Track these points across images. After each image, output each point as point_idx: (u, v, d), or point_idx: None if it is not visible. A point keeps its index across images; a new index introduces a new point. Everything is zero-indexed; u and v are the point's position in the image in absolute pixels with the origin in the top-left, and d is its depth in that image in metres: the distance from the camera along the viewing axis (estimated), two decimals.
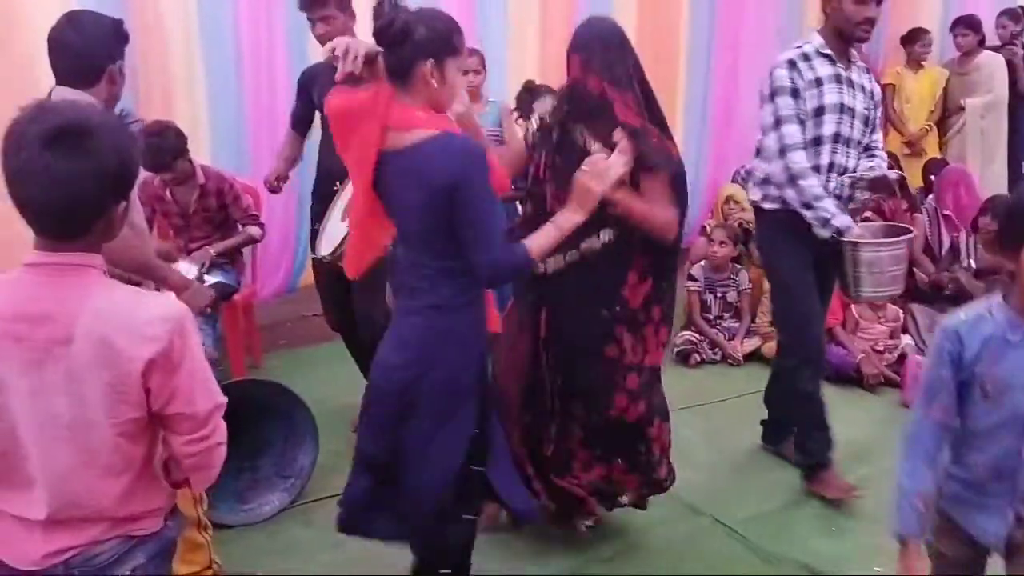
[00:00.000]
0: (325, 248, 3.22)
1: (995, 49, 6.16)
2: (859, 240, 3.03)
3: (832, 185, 3.10)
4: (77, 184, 1.39)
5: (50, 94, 2.37)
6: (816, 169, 3.06)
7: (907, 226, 3.39)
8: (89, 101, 2.13)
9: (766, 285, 4.82)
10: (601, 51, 2.61)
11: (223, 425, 1.58)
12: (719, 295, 4.76)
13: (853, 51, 3.17)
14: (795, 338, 3.27)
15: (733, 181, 5.50)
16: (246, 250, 4.21)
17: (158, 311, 1.47)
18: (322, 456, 3.26)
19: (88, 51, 2.29)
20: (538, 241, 2.17)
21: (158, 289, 2.42)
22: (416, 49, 2.07)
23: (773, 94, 3.08)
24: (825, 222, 3.01)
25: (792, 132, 3.03)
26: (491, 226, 2.07)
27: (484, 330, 2.28)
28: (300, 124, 3.66)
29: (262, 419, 3.17)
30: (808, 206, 3.03)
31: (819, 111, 3.04)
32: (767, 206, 3.20)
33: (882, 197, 3.53)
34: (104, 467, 1.49)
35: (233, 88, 4.51)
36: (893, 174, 3.17)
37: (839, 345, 4.39)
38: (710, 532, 3.07)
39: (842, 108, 3.06)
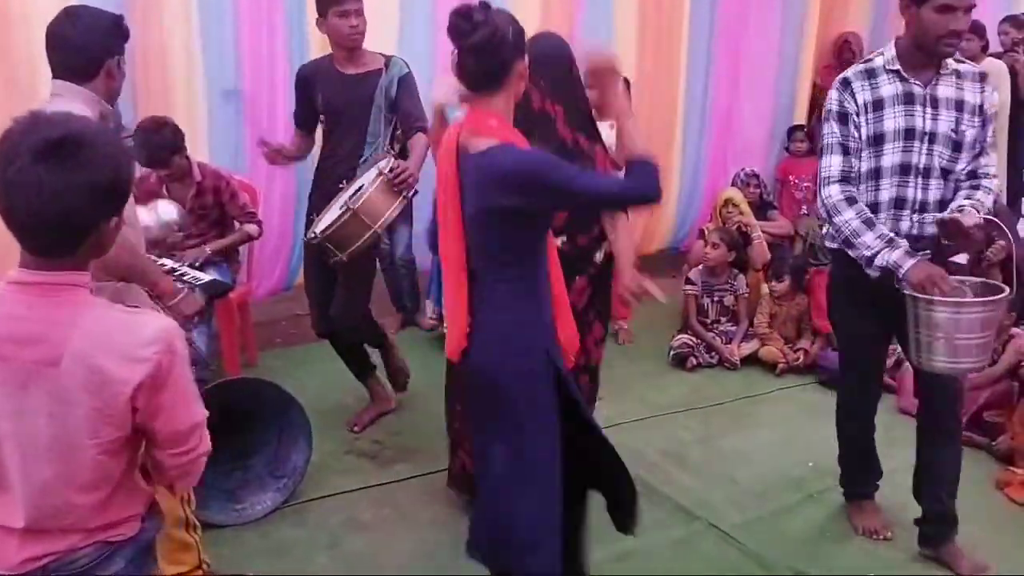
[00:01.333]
0: (319, 227, 3.22)
1: (997, 56, 6.15)
2: (923, 296, 2.50)
3: (904, 225, 2.67)
4: (69, 199, 1.36)
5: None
6: (875, 207, 2.67)
7: (999, 284, 2.69)
8: (78, 105, 2.11)
9: (764, 289, 4.83)
10: (548, 68, 2.64)
11: (207, 436, 1.58)
12: (716, 299, 4.75)
13: (951, 60, 2.68)
14: (844, 396, 3.08)
15: (732, 185, 5.49)
16: (242, 248, 4.19)
17: (149, 333, 1.45)
18: (316, 456, 3.25)
19: (86, 45, 2.27)
20: (631, 140, 2.14)
21: (149, 294, 2.40)
22: (514, 50, 2.09)
23: (826, 118, 2.76)
24: (868, 261, 2.62)
25: (832, 163, 2.69)
26: (593, 181, 2.18)
27: None
28: (305, 124, 3.63)
29: (255, 418, 3.16)
30: (847, 243, 2.67)
31: (877, 139, 2.66)
32: (829, 243, 2.89)
33: (961, 243, 2.76)
34: (83, 484, 1.48)
35: (232, 86, 4.50)
36: (973, 218, 2.52)
37: (835, 350, 4.38)
38: (704, 536, 3.06)
39: (910, 134, 2.63)
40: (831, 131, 2.70)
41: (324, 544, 3.00)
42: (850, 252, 2.66)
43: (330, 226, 3.13)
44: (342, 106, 3.43)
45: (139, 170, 3.77)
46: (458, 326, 2.20)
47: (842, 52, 6.20)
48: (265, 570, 2.84)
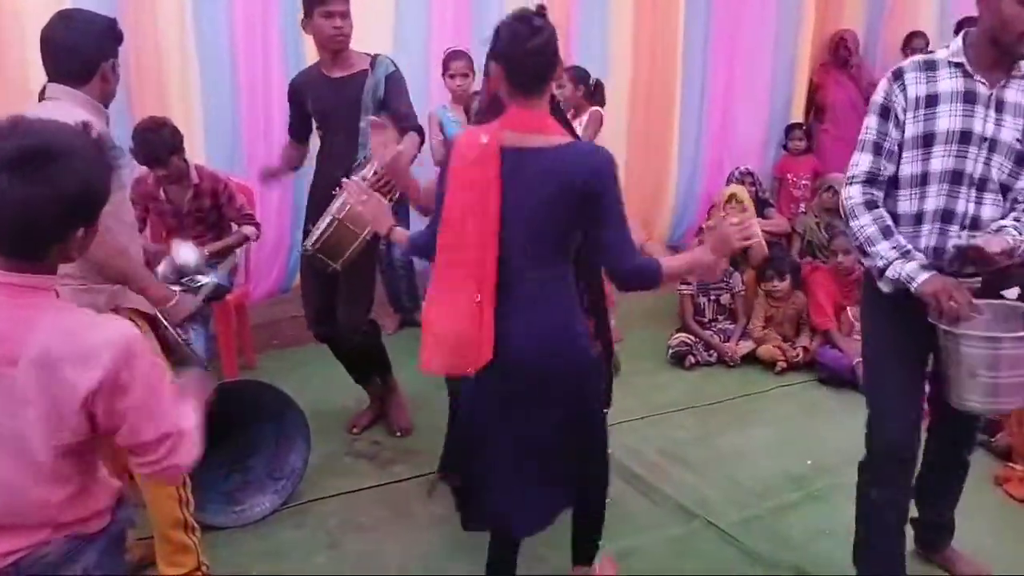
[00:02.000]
0: (310, 240, 3.21)
1: None
2: (955, 330, 2.21)
3: (951, 241, 2.30)
4: (31, 209, 1.37)
5: (43, 92, 2.36)
6: (919, 217, 2.34)
7: None
8: (71, 108, 2.12)
9: (757, 289, 4.83)
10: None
11: (185, 446, 1.55)
12: (712, 298, 4.75)
13: None
14: (868, 430, 2.52)
15: (728, 183, 5.49)
16: (239, 250, 4.19)
17: (104, 337, 1.44)
18: (314, 457, 3.25)
19: (80, 48, 2.28)
20: (669, 264, 2.25)
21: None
22: (556, 52, 2.17)
23: (868, 111, 2.41)
24: (880, 272, 2.32)
25: (860, 161, 2.36)
26: (629, 234, 2.17)
27: None
28: (298, 133, 3.61)
29: (253, 420, 3.16)
30: (862, 250, 2.38)
31: (927, 139, 2.30)
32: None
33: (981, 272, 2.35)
34: (44, 480, 1.48)
35: (227, 88, 4.50)
36: (999, 244, 2.18)
37: (834, 347, 4.38)
38: (703, 534, 3.06)
39: (966, 137, 2.27)
40: (868, 126, 2.37)
41: (323, 545, 3.00)
42: (864, 261, 2.41)
43: (319, 237, 3.13)
44: (330, 110, 3.42)
45: (137, 170, 3.78)
46: (480, 340, 2.16)
47: (838, 49, 6.20)
48: (264, 572, 2.84)
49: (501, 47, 2.14)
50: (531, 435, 2.29)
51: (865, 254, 2.37)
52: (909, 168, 2.33)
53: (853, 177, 2.37)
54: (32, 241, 1.41)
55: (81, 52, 2.29)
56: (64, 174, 1.38)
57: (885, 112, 2.34)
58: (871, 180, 2.36)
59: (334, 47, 3.34)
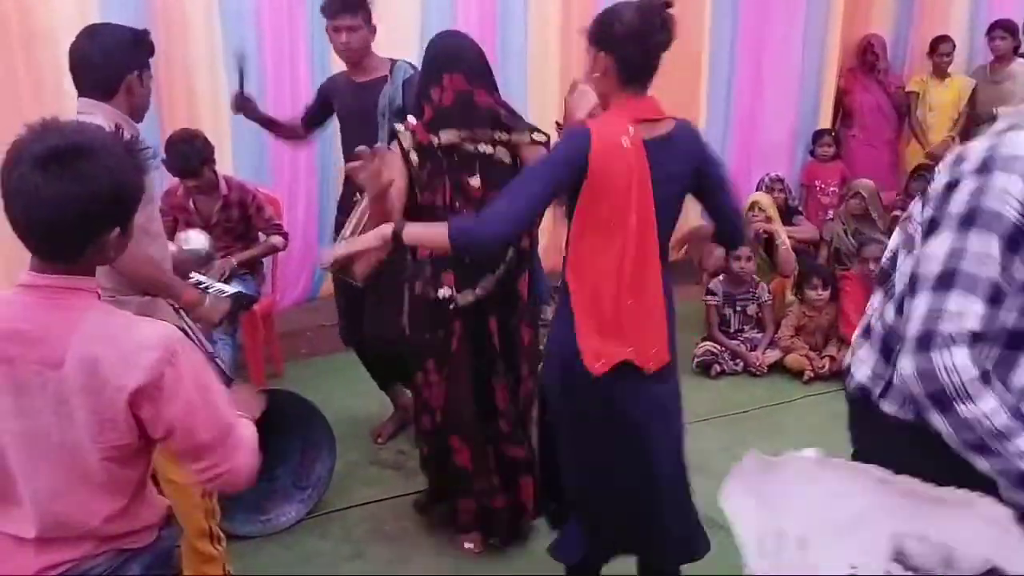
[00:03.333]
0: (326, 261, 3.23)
1: (1022, 56, 6.07)
2: None
3: None
4: (63, 207, 1.38)
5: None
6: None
7: None
8: (100, 121, 2.14)
9: (788, 296, 4.78)
10: (478, 64, 2.69)
11: (242, 447, 1.52)
12: (739, 309, 4.71)
13: None
14: None
15: (757, 189, 5.45)
16: (267, 260, 4.22)
17: (147, 339, 1.44)
18: (340, 466, 3.26)
19: (104, 62, 2.31)
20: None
21: (172, 306, 2.42)
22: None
23: (967, 216, 1.44)
24: (1019, 479, 1.40)
25: (967, 308, 1.41)
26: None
27: None
28: (311, 122, 3.73)
29: (280, 429, 3.16)
30: (980, 447, 1.42)
31: None
32: (889, 409, 1.61)
33: None
34: (93, 488, 1.48)
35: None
36: None
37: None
38: (730, 546, 3.00)
39: None
40: (980, 253, 1.41)
41: (348, 555, 3.01)
42: (978, 460, 1.43)
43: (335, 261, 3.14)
44: (351, 115, 3.49)
45: (167, 181, 3.82)
46: (662, 338, 2.23)
47: (865, 54, 6.15)
48: None
49: (623, 36, 2.08)
50: (670, 450, 2.30)
51: (986, 451, 1.42)
52: (1009, 319, 1.46)
53: (955, 336, 1.42)
54: (65, 240, 1.42)
55: (104, 67, 2.32)
56: (96, 172, 1.39)
57: (1016, 238, 1.40)
58: (980, 338, 1.46)
59: (344, 59, 3.45)
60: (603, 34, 2.13)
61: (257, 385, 4.03)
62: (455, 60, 2.64)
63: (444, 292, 2.72)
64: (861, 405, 1.66)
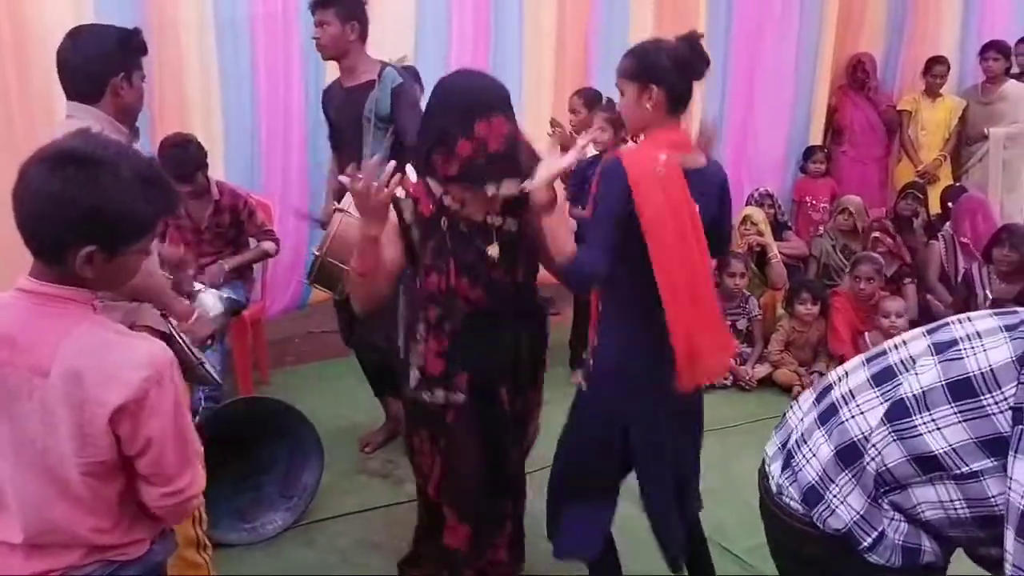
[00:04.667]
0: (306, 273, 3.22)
1: (1016, 77, 6.13)
2: None
3: None
4: (42, 204, 1.39)
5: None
6: None
7: None
8: (100, 119, 2.13)
9: (778, 311, 4.79)
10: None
11: (200, 477, 1.55)
12: (729, 323, 4.71)
13: None
14: None
15: (747, 204, 5.46)
16: (256, 266, 4.20)
17: (137, 357, 1.43)
18: (327, 476, 3.24)
19: (87, 65, 2.27)
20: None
21: (162, 314, 2.39)
22: None
23: None
24: None
25: None
26: None
27: None
28: (335, 144, 3.63)
29: (267, 436, 3.16)
30: None
31: None
32: (878, 560, 1.58)
33: None
34: (76, 500, 1.47)
35: (248, 105, 4.53)
36: None
37: None
38: (717, 560, 3.00)
39: None
40: None
41: (334, 565, 2.99)
42: None
43: (310, 271, 3.12)
44: (340, 120, 3.44)
45: None
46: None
47: (855, 71, 6.20)
48: None
49: (672, 67, 2.22)
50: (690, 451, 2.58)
51: None
52: None
53: None
54: (43, 240, 1.42)
55: (86, 70, 2.28)
56: (84, 182, 1.38)
57: None
58: None
59: (322, 56, 3.43)
60: (651, 67, 2.24)
61: (244, 392, 4.00)
62: (500, 102, 2.22)
63: (458, 397, 2.30)
64: (839, 549, 1.62)
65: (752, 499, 3.37)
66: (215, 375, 3.30)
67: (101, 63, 2.28)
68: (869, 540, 1.58)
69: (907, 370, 1.57)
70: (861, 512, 1.58)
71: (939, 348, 1.55)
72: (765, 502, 1.79)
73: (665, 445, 2.43)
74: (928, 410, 1.50)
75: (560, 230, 2.25)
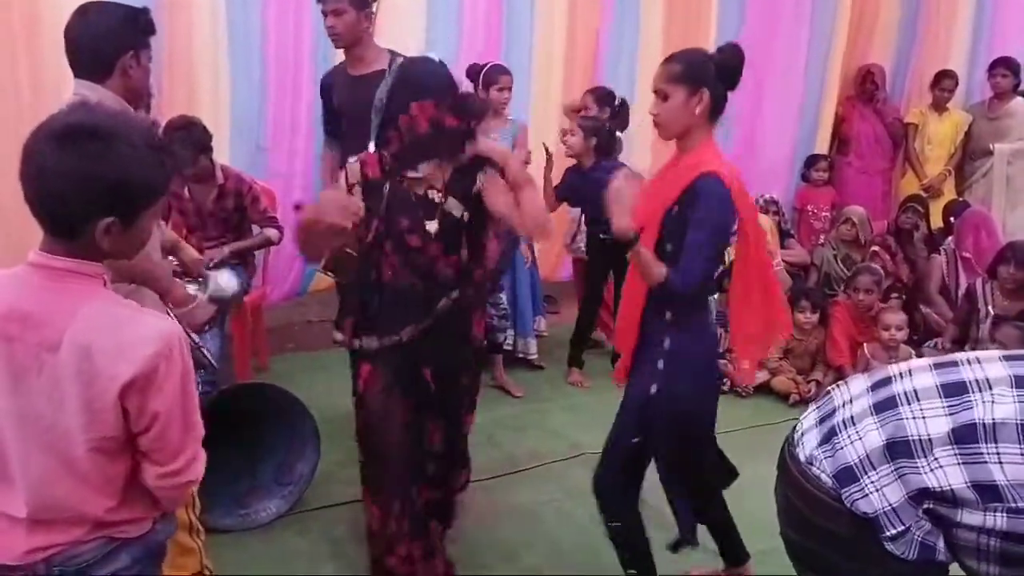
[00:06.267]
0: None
1: (1021, 94, 6.14)
2: None
3: None
4: (64, 181, 1.37)
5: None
6: None
7: None
8: (108, 97, 2.11)
9: None
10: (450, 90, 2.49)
11: (199, 462, 1.53)
12: (728, 329, 4.71)
13: None
14: None
15: None
16: (258, 252, 4.19)
17: (148, 332, 1.43)
18: (323, 464, 3.23)
19: (95, 43, 2.23)
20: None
21: (162, 299, 2.38)
22: None
23: None
24: None
25: None
26: None
27: None
28: (333, 130, 3.62)
29: (264, 423, 3.15)
30: None
31: None
32: (894, 550, 1.62)
33: None
34: (83, 478, 1.46)
35: (257, 90, 4.52)
36: None
37: None
38: (713, 566, 3.02)
39: None
40: None
41: (327, 554, 2.98)
42: None
43: (326, 261, 3.09)
44: (347, 108, 3.40)
45: None
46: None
47: (864, 83, 6.19)
48: None
49: (718, 74, 2.33)
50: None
51: None
52: None
53: None
54: (63, 217, 1.40)
55: (95, 47, 2.24)
56: (104, 155, 1.38)
57: None
58: None
59: (334, 45, 3.39)
60: (701, 72, 2.32)
61: (242, 378, 3.99)
62: (425, 89, 2.43)
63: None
64: (858, 529, 1.65)
65: (751, 505, 3.40)
66: (212, 360, 3.30)
67: (110, 40, 2.24)
68: (893, 531, 1.61)
69: (980, 391, 1.58)
70: (894, 505, 1.60)
71: (1020, 382, 1.56)
72: (788, 467, 1.81)
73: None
74: (996, 442, 1.52)
75: (533, 202, 2.51)
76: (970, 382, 1.61)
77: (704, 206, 2.28)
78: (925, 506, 1.59)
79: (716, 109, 2.36)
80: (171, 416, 1.45)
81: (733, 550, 2.89)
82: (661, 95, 2.37)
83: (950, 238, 5.30)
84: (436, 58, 3.04)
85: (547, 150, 4.27)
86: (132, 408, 1.42)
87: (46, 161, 1.37)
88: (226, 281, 2.69)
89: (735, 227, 2.44)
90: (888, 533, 1.61)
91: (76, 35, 2.27)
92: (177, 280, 2.47)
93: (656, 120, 2.40)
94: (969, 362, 1.65)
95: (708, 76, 2.33)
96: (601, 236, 4.35)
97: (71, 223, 1.41)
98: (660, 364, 2.43)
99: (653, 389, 2.44)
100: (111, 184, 1.39)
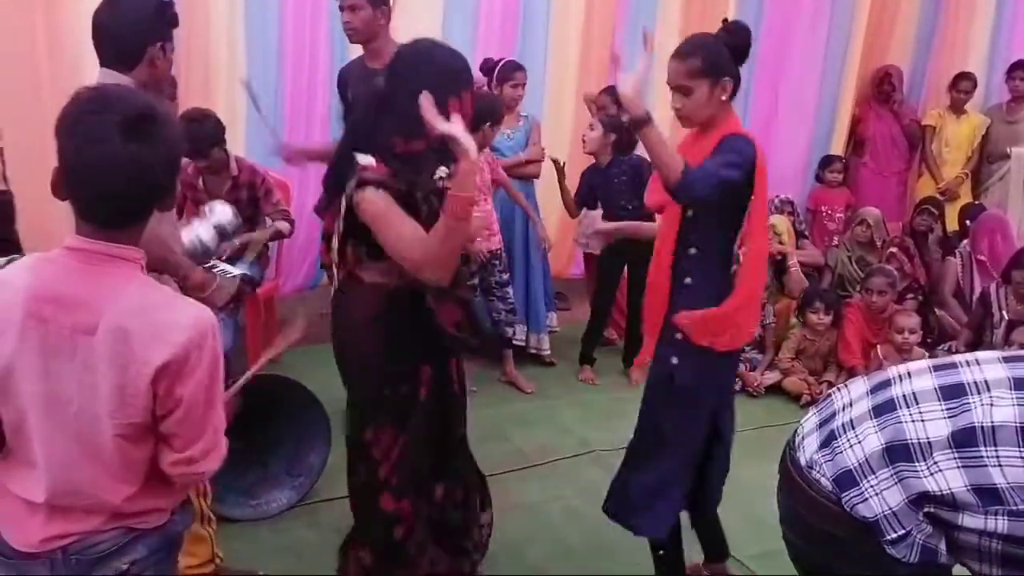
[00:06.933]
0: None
1: None
2: None
3: None
4: (143, 168, 1.38)
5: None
6: None
7: None
8: (130, 85, 2.12)
9: (792, 319, 4.78)
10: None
11: (218, 451, 1.53)
12: None
13: None
14: None
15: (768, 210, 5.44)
16: (271, 244, 4.20)
17: (183, 319, 1.44)
18: (333, 456, 3.23)
19: (126, 33, 2.25)
20: None
21: (180, 285, 2.40)
22: None
23: None
24: None
25: None
26: None
27: None
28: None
29: (276, 415, 3.16)
30: None
31: None
32: (896, 555, 1.61)
33: None
34: (106, 464, 1.47)
35: (273, 82, 4.53)
36: None
37: None
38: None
39: None
40: None
41: (336, 545, 2.98)
42: None
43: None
44: (361, 100, 3.41)
45: None
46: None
47: (881, 84, 6.16)
48: (277, 569, 2.83)
49: (734, 59, 2.37)
50: None
51: None
52: None
53: None
54: (135, 203, 1.43)
55: (127, 37, 2.26)
56: (168, 136, 1.42)
57: None
58: None
59: (351, 40, 3.40)
60: (721, 61, 2.35)
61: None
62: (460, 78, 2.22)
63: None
64: (858, 533, 1.64)
65: (759, 506, 3.40)
66: (226, 351, 3.32)
67: (142, 30, 2.27)
68: (894, 535, 1.60)
69: (979, 393, 1.57)
70: (894, 509, 1.59)
71: (1019, 384, 1.55)
72: (789, 471, 1.80)
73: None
74: (995, 446, 1.51)
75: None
76: (968, 384, 1.60)
77: (726, 149, 2.30)
78: (925, 510, 1.58)
79: (736, 88, 2.40)
80: (194, 402, 1.45)
81: (716, 545, 2.87)
82: (684, 91, 2.36)
83: (965, 241, 5.27)
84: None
85: (556, 163, 4.32)
86: (160, 392, 1.43)
87: (119, 152, 1.36)
88: (220, 210, 2.72)
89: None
90: (889, 537, 1.60)
91: (107, 24, 2.28)
92: (194, 265, 2.49)
93: (680, 113, 2.41)
94: (968, 364, 1.64)
95: (727, 63, 2.35)
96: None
97: (138, 212, 1.44)
98: (678, 336, 2.46)
99: (674, 360, 2.47)
100: (174, 166, 1.45)
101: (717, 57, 2.35)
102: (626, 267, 4.48)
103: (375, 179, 2.13)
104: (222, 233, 2.88)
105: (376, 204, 2.11)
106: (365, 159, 2.18)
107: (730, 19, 2.51)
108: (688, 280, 2.43)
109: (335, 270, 2.36)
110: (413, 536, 2.42)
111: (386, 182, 2.14)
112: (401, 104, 2.14)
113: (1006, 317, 4.70)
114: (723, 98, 2.36)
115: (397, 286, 2.25)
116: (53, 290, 1.42)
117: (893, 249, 5.21)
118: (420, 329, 2.28)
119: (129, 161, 1.36)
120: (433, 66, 2.18)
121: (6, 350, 1.42)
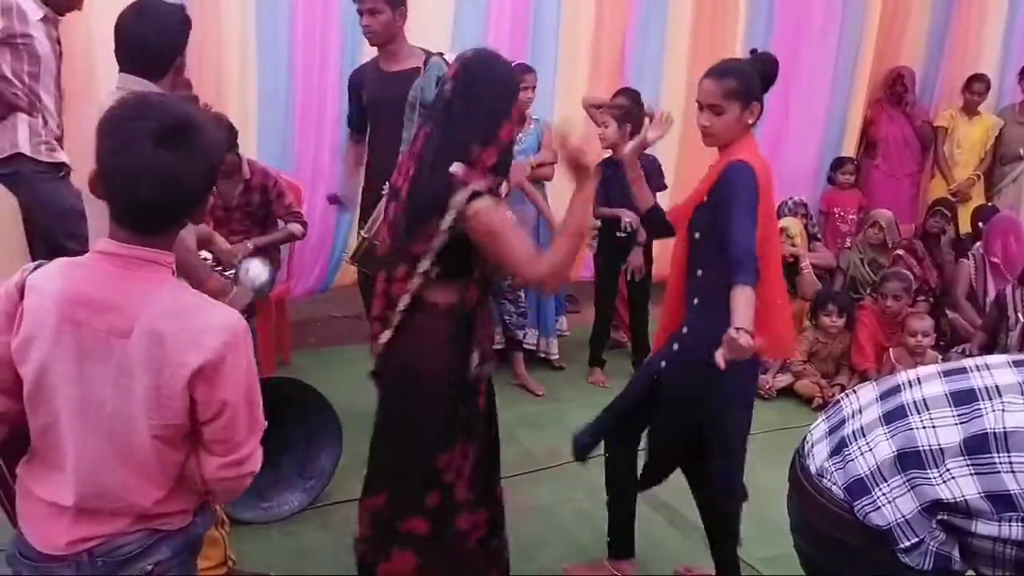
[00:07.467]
0: (348, 253, 3.25)
1: None
2: None
3: None
4: (190, 181, 1.41)
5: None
6: None
7: None
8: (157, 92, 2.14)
9: (804, 322, 4.76)
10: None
11: (258, 454, 1.54)
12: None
13: None
14: None
15: (779, 211, 5.41)
16: (283, 247, 4.21)
17: (216, 322, 1.45)
18: (344, 459, 3.25)
19: (158, 43, 2.27)
20: None
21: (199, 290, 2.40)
22: None
23: None
24: None
25: None
26: None
27: None
28: (358, 126, 3.65)
29: (287, 417, 3.16)
30: None
31: None
32: (909, 562, 1.60)
33: None
34: (139, 466, 1.47)
35: (284, 85, 4.55)
36: None
37: None
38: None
39: None
40: None
41: (348, 548, 2.97)
42: None
43: (356, 253, 3.13)
44: (379, 104, 3.43)
45: None
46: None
47: (894, 85, 6.14)
48: (288, 571, 2.84)
49: (762, 84, 2.44)
50: None
51: None
52: None
53: None
54: (166, 210, 1.44)
55: (158, 47, 2.28)
56: (207, 144, 1.43)
57: None
58: None
59: (370, 43, 3.41)
60: (754, 87, 2.42)
61: (266, 372, 4.02)
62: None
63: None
64: (871, 541, 1.63)
65: (770, 509, 3.37)
66: None
67: (174, 41, 2.30)
68: (907, 543, 1.59)
69: (990, 399, 1.56)
70: (907, 517, 1.58)
71: None
72: (799, 480, 1.79)
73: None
74: (1008, 452, 1.50)
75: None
76: (979, 389, 1.58)
77: (734, 186, 2.34)
78: (939, 517, 1.57)
79: (761, 113, 2.48)
80: (238, 406, 1.46)
81: (624, 542, 2.89)
82: (716, 110, 2.41)
83: (978, 243, 5.24)
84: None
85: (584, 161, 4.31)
86: (199, 397, 1.44)
87: (168, 169, 1.38)
88: (257, 269, 2.72)
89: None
90: (902, 545, 1.59)
91: (136, 32, 2.28)
92: (214, 272, 2.49)
93: (707, 131, 2.46)
94: (978, 368, 1.63)
95: (758, 88, 2.43)
96: (617, 233, 4.35)
97: (176, 218, 1.46)
98: (675, 347, 2.54)
99: (663, 364, 2.59)
100: (216, 166, 1.48)
101: (750, 82, 2.43)
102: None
103: (485, 187, 2.11)
104: (259, 292, 2.89)
105: (492, 217, 2.08)
106: (457, 167, 2.11)
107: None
108: (696, 301, 2.49)
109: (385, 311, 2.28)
110: (483, 542, 2.44)
111: (494, 190, 2.14)
112: (476, 114, 2.14)
113: (1022, 320, 4.67)
114: (749, 121, 2.43)
115: (474, 304, 2.25)
116: (85, 294, 1.44)
117: (900, 252, 5.18)
118: (480, 340, 2.31)
119: (159, 169, 1.38)
120: (497, 75, 2.22)
121: (41, 353, 1.44)
